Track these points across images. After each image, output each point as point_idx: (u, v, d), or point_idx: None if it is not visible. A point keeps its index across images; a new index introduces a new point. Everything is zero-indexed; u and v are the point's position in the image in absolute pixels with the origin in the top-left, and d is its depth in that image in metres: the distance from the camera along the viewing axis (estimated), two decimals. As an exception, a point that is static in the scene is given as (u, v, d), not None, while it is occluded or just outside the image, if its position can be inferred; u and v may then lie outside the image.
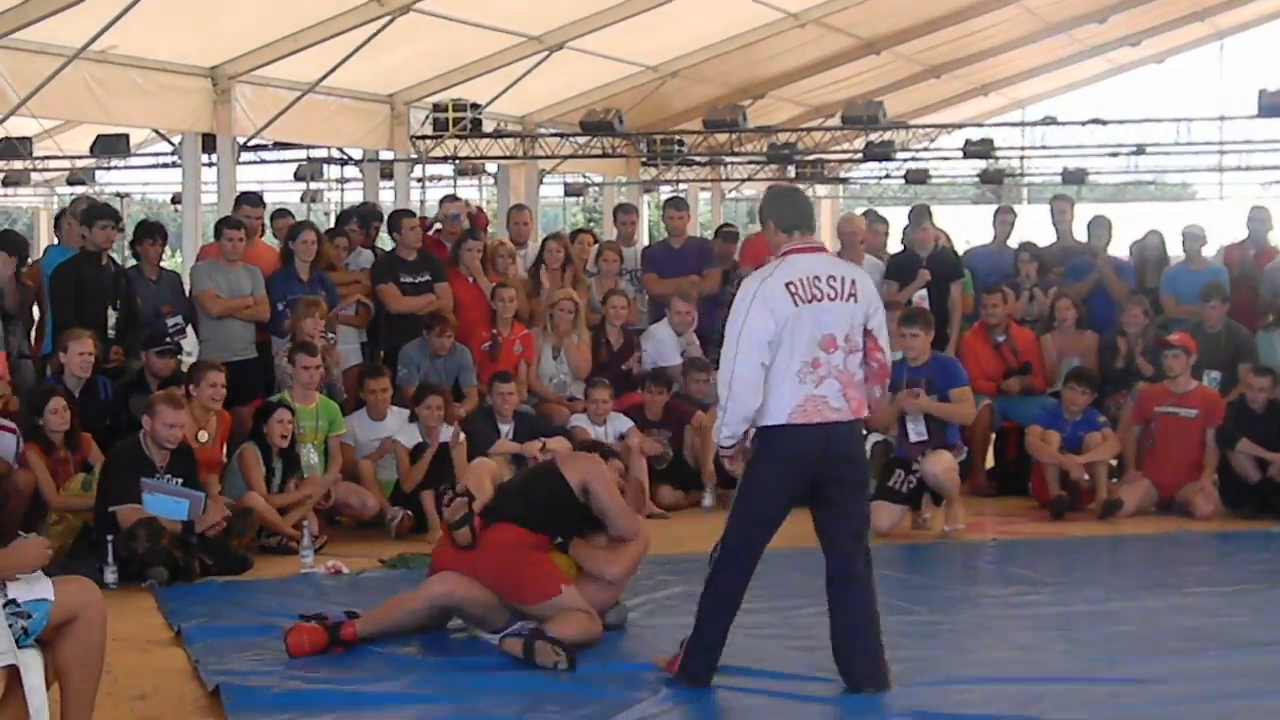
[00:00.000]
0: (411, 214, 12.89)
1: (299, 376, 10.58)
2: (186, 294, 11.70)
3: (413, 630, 7.52)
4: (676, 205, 14.19)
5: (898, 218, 14.95)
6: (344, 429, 10.80)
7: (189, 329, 11.37)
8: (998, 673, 6.98)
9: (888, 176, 29.21)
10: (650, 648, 7.29)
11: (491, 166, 22.17)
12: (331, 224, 14.30)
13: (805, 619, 7.91)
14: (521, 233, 13.76)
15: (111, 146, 20.34)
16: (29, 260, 11.87)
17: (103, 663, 5.59)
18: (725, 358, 6.60)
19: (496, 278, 12.46)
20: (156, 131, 18.75)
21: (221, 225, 11.75)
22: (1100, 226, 13.33)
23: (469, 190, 23.44)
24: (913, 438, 10.46)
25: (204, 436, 9.99)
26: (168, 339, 10.82)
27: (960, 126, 24.15)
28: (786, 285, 6.55)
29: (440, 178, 22.21)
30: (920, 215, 13.16)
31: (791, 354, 6.51)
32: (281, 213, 13.84)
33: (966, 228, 20.76)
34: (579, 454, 8.04)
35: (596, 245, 13.99)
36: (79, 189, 23.32)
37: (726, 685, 6.68)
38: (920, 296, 12.66)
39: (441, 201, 14.00)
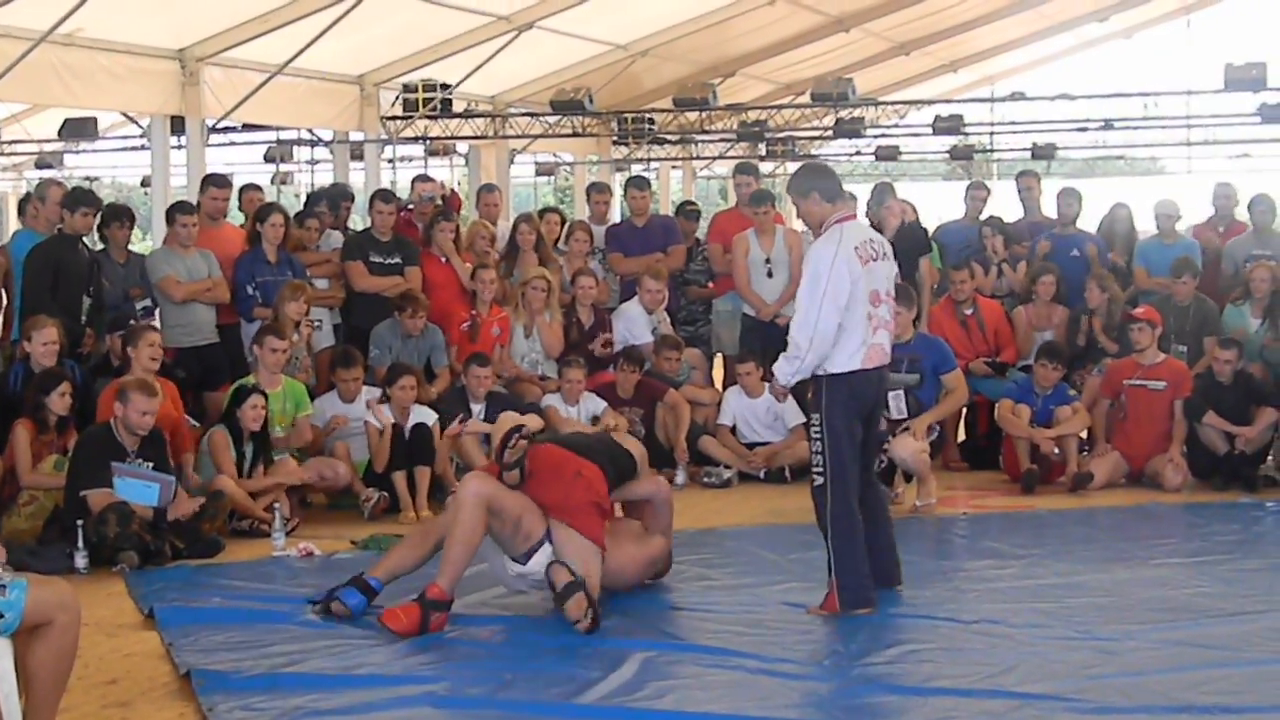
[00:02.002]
0: (390, 196, 12.76)
1: (265, 359, 10.55)
2: (153, 278, 11.63)
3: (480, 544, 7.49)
4: (638, 184, 14.02)
5: (868, 195, 14.91)
6: (310, 410, 10.77)
7: (158, 313, 11.32)
8: (968, 645, 7.00)
9: (858, 154, 29.19)
10: (627, 626, 7.31)
11: (462, 147, 22.10)
12: (302, 206, 14.19)
13: (775, 595, 7.95)
14: (491, 213, 13.73)
15: (79, 130, 20.22)
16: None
17: (72, 668, 5.51)
18: (807, 315, 7.43)
19: (475, 259, 12.44)
20: (125, 114, 18.65)
21: (173, 211, 11.68)
22: (1070, 196, 13.31)
23: (440, 170, 23.32)
24: (894, 414, 10.43)
25: None
26: (133, 322, 10.77)
27: (930, 103, 24.13)
28: (855, 248, 7.48)
29: (411, 158, 22.12)
30: (883, 193, 12.96)
31: (859, 309, 7.45)
32: (250, 187, 13.77)
33: (938, 204, 20.74)
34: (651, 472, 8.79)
35: (566, 225, 13.97)
36: (47, 173, 23.20)
37: (696, 663, 6.70)
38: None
39: (414, 181, 13.94)
